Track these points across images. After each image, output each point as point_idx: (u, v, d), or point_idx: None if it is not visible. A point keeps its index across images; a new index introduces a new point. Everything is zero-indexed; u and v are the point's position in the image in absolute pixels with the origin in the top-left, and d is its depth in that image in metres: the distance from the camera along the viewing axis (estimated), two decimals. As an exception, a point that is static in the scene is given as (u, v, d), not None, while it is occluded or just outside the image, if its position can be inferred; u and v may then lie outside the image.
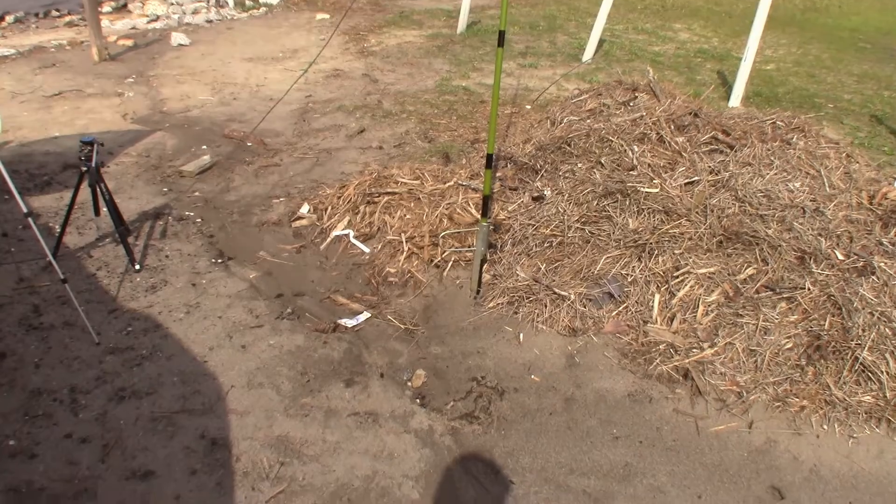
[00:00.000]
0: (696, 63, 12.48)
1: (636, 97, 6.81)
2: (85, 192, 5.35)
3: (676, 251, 5.13)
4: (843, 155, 6.13)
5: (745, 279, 4.94)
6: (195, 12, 15.02)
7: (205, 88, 9.96)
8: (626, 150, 5.83)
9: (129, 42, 12.26)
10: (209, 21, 14.29)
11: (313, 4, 16.02)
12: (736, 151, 5.80)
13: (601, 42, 12.42)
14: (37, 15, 15.85)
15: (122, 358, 4.48)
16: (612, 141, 5.96)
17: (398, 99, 9.62)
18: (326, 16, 14.87)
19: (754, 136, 5.98)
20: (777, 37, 14.97)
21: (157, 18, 14.56)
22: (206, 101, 9.39)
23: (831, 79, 12.07)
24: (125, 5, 16.73)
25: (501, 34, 4.43)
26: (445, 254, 5.59)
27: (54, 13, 16.09)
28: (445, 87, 10.21)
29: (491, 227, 5.45)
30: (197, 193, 6.79)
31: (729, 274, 4.99)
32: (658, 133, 5.98)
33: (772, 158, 5.75)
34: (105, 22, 13.45)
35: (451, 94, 9.88)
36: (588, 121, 6.47)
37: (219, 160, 7.52)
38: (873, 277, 4.71)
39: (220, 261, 5.67)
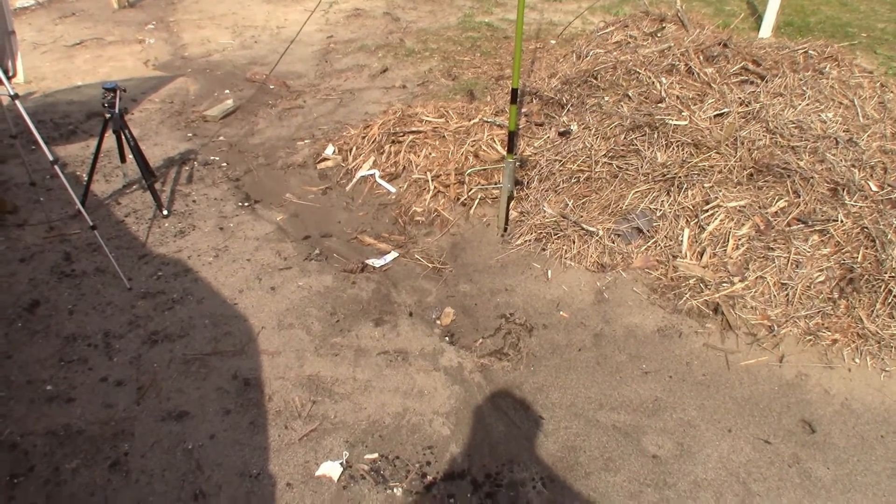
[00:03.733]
0: (725, -7, 12.14)
1: (663, 28, 6.66)
2: (110, 139, 5.36)
3: (706, 184, 5.04)
4: (878, 84, 5.97)
5: (776, 212, 4.86)
6: (213, -45, 14.81)
7: (225, 32, 9.88)
8: (653, 82, 5.71)
9: (148, -12, 12.14)
10: (227, -37, 14.08)
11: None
12: (767, 82, 5.66)
13: (627, -27, 12.09)
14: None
15: (153, 302, 4.53)
16: (639, 73, 5.83)
17: (420, 37, 9.49)
18: (345, -46, 14.55)
19: (786, 66, 5.83)
20: (809, -37, 14.49)
21: (175, -38, 14.37)
22: (226, 45, 9.33)
23: (864, 7, 11.69)
24: (142, -50, 16.55)
25: (524, -35, 4.31)
26: (472, 191, 5.55)
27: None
28: (468, 23, 10.05)
29: (517, 163, 5.40)
30: (221, 138, 6.78)
31: (760, 207, 4.91)
32: (687, 64, 5.84)
33: (804, 89, 5.61)
34: (123, -33, 13.34)
35: (474, 30, 9.72)
36: (614, 53, 6.33)
37: (242, 104, 7.48)
38: (908, 208, 4.62)
39: (246, 204, 5.68)
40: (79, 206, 4.67)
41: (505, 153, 5.24)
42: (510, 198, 5.15)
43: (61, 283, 4.71)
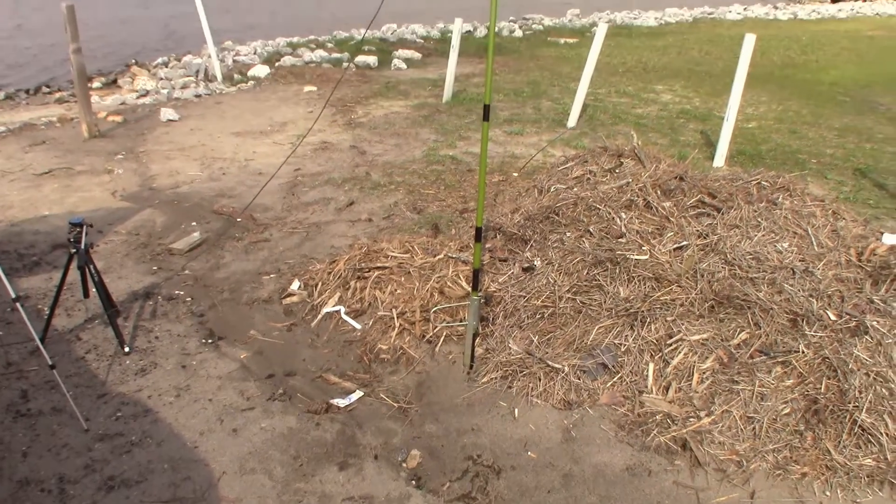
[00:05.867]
0: (679, 124, 12.67)
1: (622, 163, 6.88)
2: (74, 273, 5.33)
3: (669, 318, 5.12)
4: (830, 212, 6.17)
5: (738, 344, 4.93)
6: (184, 87, 15.21)
7: (194, 164, 10.01)
8: (613, 218, 5.87)
9: (119, 118, 12.35)
10: (198, 95, 14.45)
11: (301, 77, 16.24)
12: (723, 214, 5.84)
13: (585, 106, 12.60)
14: (27, 91, 16.05)
15: (111, 445, 4.40)
16: (599, 209, 5.99)
17: (386, 170, 9.70)
18: (314, 88, 15.05)
19: (740, 198, 6.03)
20: (757, 94, 15.27)
21: (147, 93, 14.73)
22: (195, 177, 9.43)
23: (813, 134, 12.27)
24: (115, 81, 16.98)
25: (486, 108, 4.48)
26: (437, 329, 5.56)
27: (45, 89, 16.30)
28: (433, 156, 10.30)
29: (482, 300, 5.44)
30: (187, 272, 6.76)
31: (722, 339, 4.98)
32: (645, 199, 6.02)
33: (759, 220, 5.79)
34: (95, 98, 13.61)
35: (439, 163, 9.97)
36: (575, 189, 6.52)
37: (208, 237, 7.52)
38: (867, 337, 4.70)
39: (210, 341, 5.62)
40: (38, 342, 4.60)
41: (470, 290, 5.29)
42: (475, 335, 5.17)
43: (16, 422, 4.57)
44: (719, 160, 10.09)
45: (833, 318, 4.90)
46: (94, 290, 5.29)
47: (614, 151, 7.21)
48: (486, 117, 4.49)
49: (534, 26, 27.64)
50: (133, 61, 19.36)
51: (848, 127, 12.92)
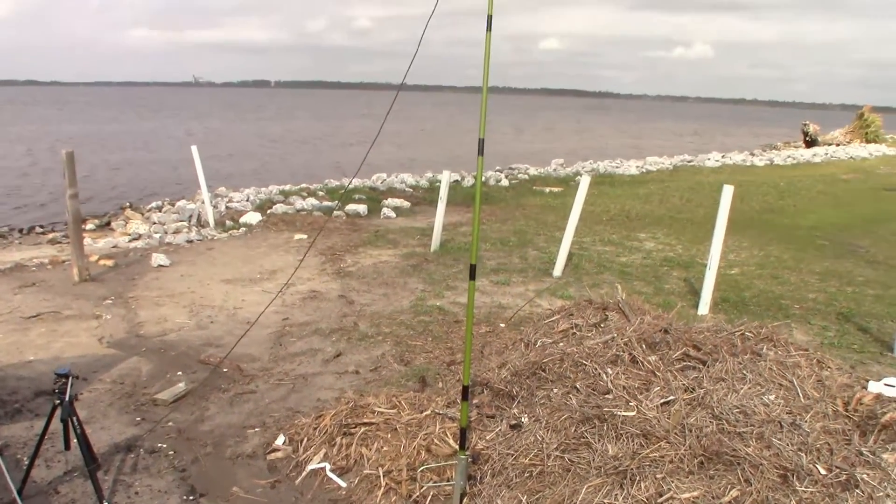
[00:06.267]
0: (663, 272, 12.91)
1: (607, 317, 6.99)
2: (56, 422, 5.27)
3: (658, 475, 5.07)
4: (814, 361, 6.22)
5: (729, 502, 4.86)
6: (176, 232, 15.50)
7: (182, 311, 10.05)
8: (600, 374, 5.91)
9: (110, 262, 12.50)
10: (190, 241, 14.68)
11: (292, 225, 16.57)
12: (708, 367, 5.89)
13: (570, 255, 12.87)
14: (20, 231, 16.33)
15: None
16: (585, 365, 6.05)
17: (374, 321, 9.73)
18: (304, 236, 15.30)
19: (725, 350, 6.09)
20: (738, 240, 15.67)
21: (139, 237, 15.00)
22: (183, 325, 9.46)
23: (795, 279, 12.51)
24: (108, 223, 17.36)
25: (472, 268, 4.61)
26: (424, 489, 5.46)
27: (38, 229, 16.57)
28: (420, 307, 10.36)
29: (469, 459, 5.39)
30: (170, 423, 6.67)
31: (713, 497, 4.91)
32: (630, 353, 6.09)
33: (744, 372, 5.84)
34: (88, 240, 13.80)
35: (427, 314, 10.02)
36: (561, 344, 6.59)
37: (194, 387, 7.46)
38: (857, 491, 4.66)
39: (191, 497, 5.49)
40: (16, 495, 4.51)
41: (457, 448, 5.25)
42: (463, 495, 5.09)
43: (-15, 584, 4.43)
44: (703, 308, 10.25)
45: (823, 472, 4.87)
46: (75, 441, 5.22)
47: (599, 305, 7.34)
48: (472, 276, 4.62)
49: (519, 175, 28.53)
50: (127, 204, 19.82)
51: (829, 271, 13.24)
